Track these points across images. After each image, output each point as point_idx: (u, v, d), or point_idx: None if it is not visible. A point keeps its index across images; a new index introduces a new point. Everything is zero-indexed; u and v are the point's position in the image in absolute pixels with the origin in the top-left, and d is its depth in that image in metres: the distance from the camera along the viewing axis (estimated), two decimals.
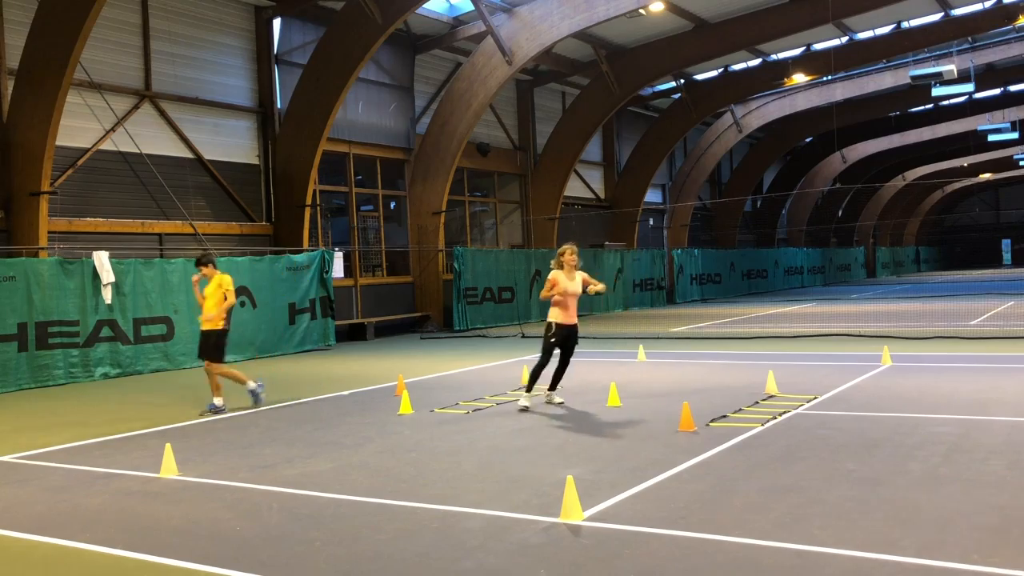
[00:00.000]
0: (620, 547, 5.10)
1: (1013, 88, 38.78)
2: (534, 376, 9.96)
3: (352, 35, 19.76)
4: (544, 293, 10.01)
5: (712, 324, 22.44)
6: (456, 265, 23.06)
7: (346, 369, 15.22)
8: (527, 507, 5.99)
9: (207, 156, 19.41)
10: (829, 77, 32.71)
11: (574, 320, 10.07)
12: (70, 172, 16.88)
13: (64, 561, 5.32)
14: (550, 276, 9.95)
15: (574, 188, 31.10)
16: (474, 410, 10.13)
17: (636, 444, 7.92)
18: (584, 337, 19.57)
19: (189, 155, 19.13)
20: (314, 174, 20.30)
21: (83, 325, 14.81)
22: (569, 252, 9.97)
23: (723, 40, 25.88)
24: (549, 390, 10.32)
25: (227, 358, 17.28)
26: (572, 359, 10.34)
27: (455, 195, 25.96)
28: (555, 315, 9.98)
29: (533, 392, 10.04)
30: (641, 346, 15.44)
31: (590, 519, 5.63)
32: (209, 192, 19.50)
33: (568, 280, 9.92)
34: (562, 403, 10.20)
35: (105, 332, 15.14)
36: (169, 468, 7.43)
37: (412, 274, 24.58)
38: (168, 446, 7.68)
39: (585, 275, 10.17)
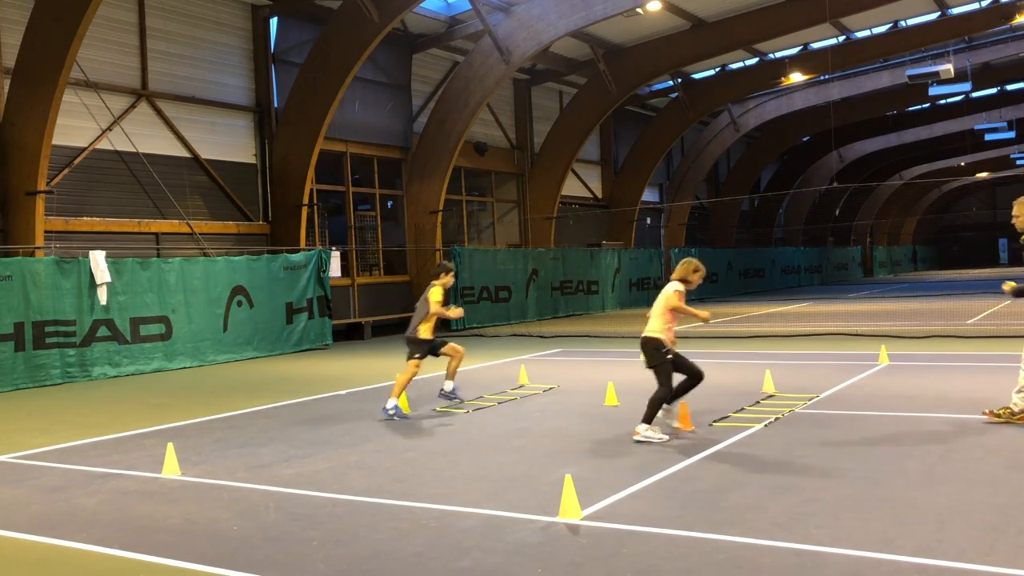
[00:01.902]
0: (618, 546, 5.09)
1: (1010, 87, 38.84)
2: (656, 406, 8.16)
3: (349, 34, 19.74)
4: (681, 306, 8.29)
5: (709, 323, 22.42)
6: (453, 264, 23.00)
7: (343, 368, 15.21)
8: (525, 506, 5.98)
9: (204, 155, 19.39)
10: (826, 76, 32.71)
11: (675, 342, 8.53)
12: (67, 171, 16.86)
13: (61, 561, 5.31)
14: (681, 291, 8.35)
15: (571, 187, 31.09)
16: (473, 409, 10.12)
17: (634, 443, 7.92)
18: (582, 336, 19.64)
19: (186, 154, 19.11)
20: (311, 173, 20.28)
21: (80, 325, 14.78)
22: (702, 274, 8.51)
23: (720, 39, 25.89)
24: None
25: (222, 357, 17.34)
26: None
27: (452, 194, 25.94)
28: (665, 333, 8.33)
29: (654, 423, 8.18)
30: None
31: (588, 518, 5.62)
32: (206, 191, 19.47)
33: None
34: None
35: (102, 332, 15.11)
36: (171, 468, 7.42)
37: (409, 273, 24.56)
38: (171, 445, 7.68)
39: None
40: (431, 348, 10.23)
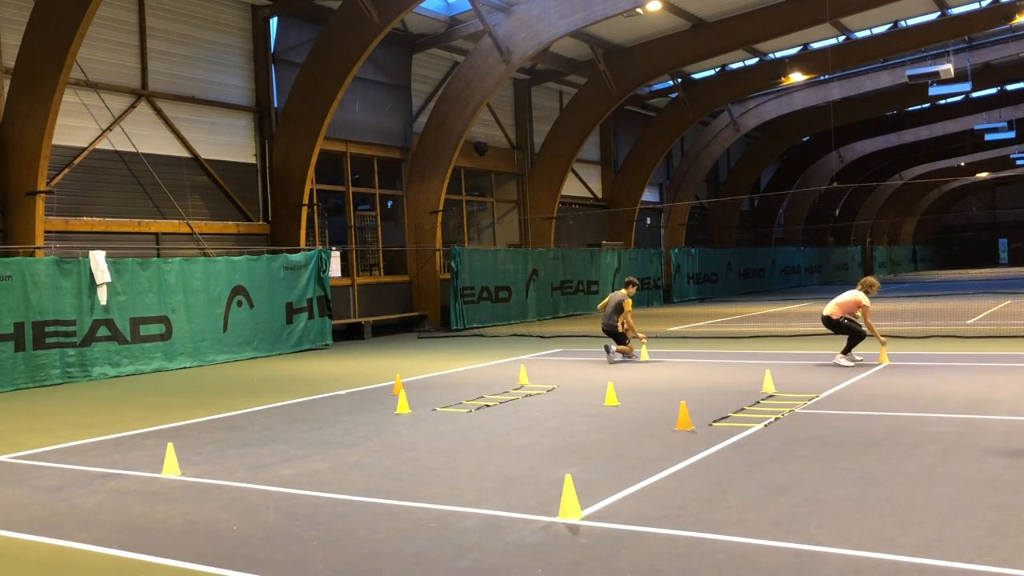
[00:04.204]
0: (618, 546, 5.10)
1: (1010, 87, 38.85)
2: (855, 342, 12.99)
3: (349, 34, 19.74)
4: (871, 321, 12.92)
5: (709, 323, 22.45)
6: (453, 264, 23.05)
7: (343, 368, 15.22)
8: (525, 506, 5.98)
9: (204, 155, 19.38)
10: (826, 76, 32.71)
11: None
12: (67, 171, 16.85)
13: (61, 561, 5.31)
14: (869, 304, 12.92)
15: (571, 187, 31.09)
16: (474, 409, 10.13)
17: (634, 443, 7.92)
18: (581, 336, 19.65)
19: (186, 154, 19.10)
20: (311, 173, 20.28)
21: (80, 325, 14.78)
22: (877, 287, 13.26)
23: (720, 39, 25.89)
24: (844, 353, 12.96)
25: (222, 357, 17.36)
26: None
27: (452, 194, 25.94)
28: (840, 315, 13.07)
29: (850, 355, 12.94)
30: (644, 344, 15.40)
31: (588, 518, 5.63)
32: (206, 191, 19.47)
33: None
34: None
35: (102, 332, 15.11)
36: (171, 468, 7.42)
37: (409, 273, 24.57)
38: (170, 445, 7.67)
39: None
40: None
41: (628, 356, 14.51)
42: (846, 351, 12.87)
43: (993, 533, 5.05)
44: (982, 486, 6.03)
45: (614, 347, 14.40)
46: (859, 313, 12.93)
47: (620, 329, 14.62)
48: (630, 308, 14.65)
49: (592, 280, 28.87)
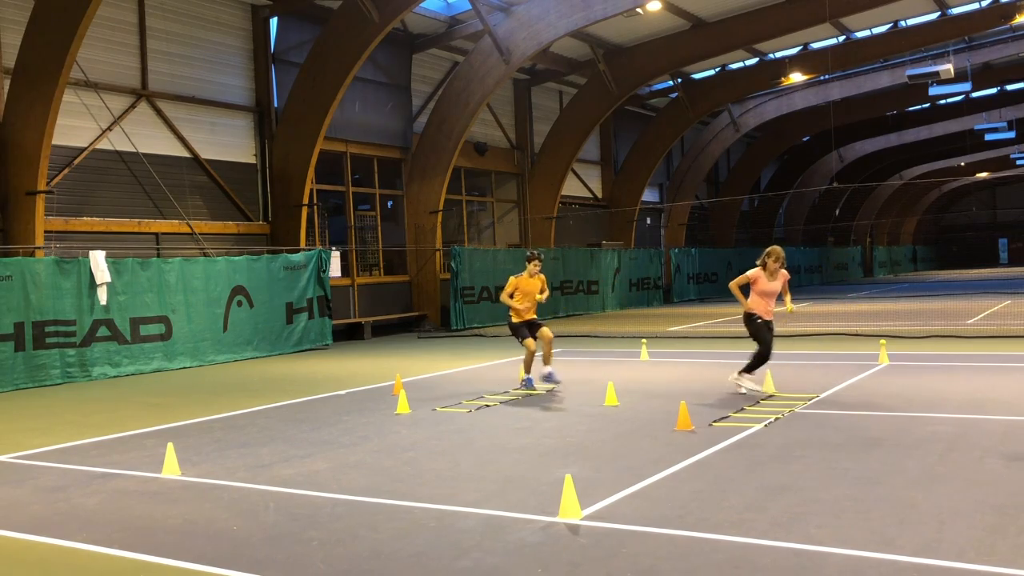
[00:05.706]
0: (618, 546, 5.09)
1: (1010, 87, 38.85)
2: (756, 362, 10.47)
3: (349, 34, 19.74)
4: (735, 284, 10.66)
5: (709, 323, 22.44)
6: (453, 264, 23.05)
7: (343, 368, 15.22)
8: (525, 506, 5.98)
9: (204, 155, 19.38)
10: (826, 76, 32.72)
11: (771, 316, 10.63)
12: (67, 171, 16.85)
13: (61, 561, 5.31)
14: (750, 273, 10.55)
15: (572, 187, 31.09)
16: (474, 409, 10.13)
17: (634, 443, 7.92)
18: (581, 336, 19.66)
19: (186, 154, 19.10)
20: (311, 173, 20.28)
21: (80, 325, 14.77)
22: (777, 257, 10.48)
23: (720, 39, 25.90)
24: (742, 372, 10.59)
25: (222, 357, 17.36)
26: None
27: (452, 194, 25.94)
28: (757, 308, 10.52)
29: (753, 375, 10.56)
30: (644, 344, 15.41)
31: (588, 518, 5.62)
32: (206, 191, 19.47)
33: (768, 280, 10.51)
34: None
35: (102, 332, 15.10)
36: (171, 468, 7.42)
37: (409, 273, 24.57)
38: (170, 445, 7.67)
39: (786, 276, 10.70)
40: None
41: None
42: (744, 368, 10.50)
43: (993, 533, 5.05)
44: (982, 486, 6.03)
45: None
46: (787, 299, 10.78)
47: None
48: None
49: (592, 280, 28.86)
